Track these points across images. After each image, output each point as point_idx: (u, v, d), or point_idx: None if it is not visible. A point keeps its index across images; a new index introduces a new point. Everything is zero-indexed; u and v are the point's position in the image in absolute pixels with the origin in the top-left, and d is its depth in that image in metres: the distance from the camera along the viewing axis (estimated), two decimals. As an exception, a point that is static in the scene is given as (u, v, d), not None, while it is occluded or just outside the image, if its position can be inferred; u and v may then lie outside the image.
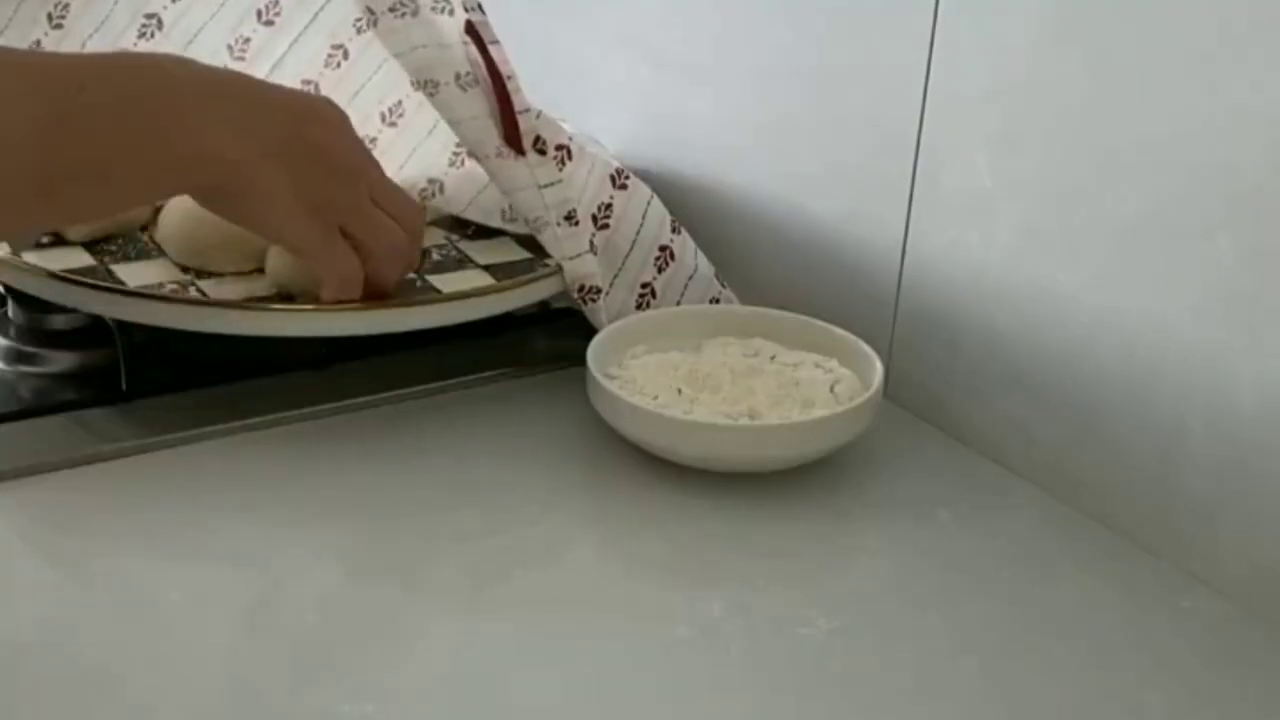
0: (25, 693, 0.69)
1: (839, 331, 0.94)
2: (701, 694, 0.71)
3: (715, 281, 1.03)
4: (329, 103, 0.83)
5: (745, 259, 1.07)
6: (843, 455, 0.89)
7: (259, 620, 0.75)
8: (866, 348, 0.93)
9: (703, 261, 1.02)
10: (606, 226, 0.99)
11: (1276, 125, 0.72)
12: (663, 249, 1.01)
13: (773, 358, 0.94)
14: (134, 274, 0.91)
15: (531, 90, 1.25)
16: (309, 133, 0.79)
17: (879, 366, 0.91)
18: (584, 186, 0.99)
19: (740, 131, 1.07)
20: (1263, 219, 0.74)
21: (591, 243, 0.97)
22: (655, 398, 0.89)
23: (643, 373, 0.91)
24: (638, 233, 1.00)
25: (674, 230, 1.02)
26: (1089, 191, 0.82)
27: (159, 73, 0.75)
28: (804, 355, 0.94)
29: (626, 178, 1.01)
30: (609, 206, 1.00)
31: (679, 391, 0.90)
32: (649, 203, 1.02)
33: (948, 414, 0.94)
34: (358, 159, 0.83)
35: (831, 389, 0.90)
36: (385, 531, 0.83)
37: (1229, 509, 0.78)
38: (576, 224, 0.96)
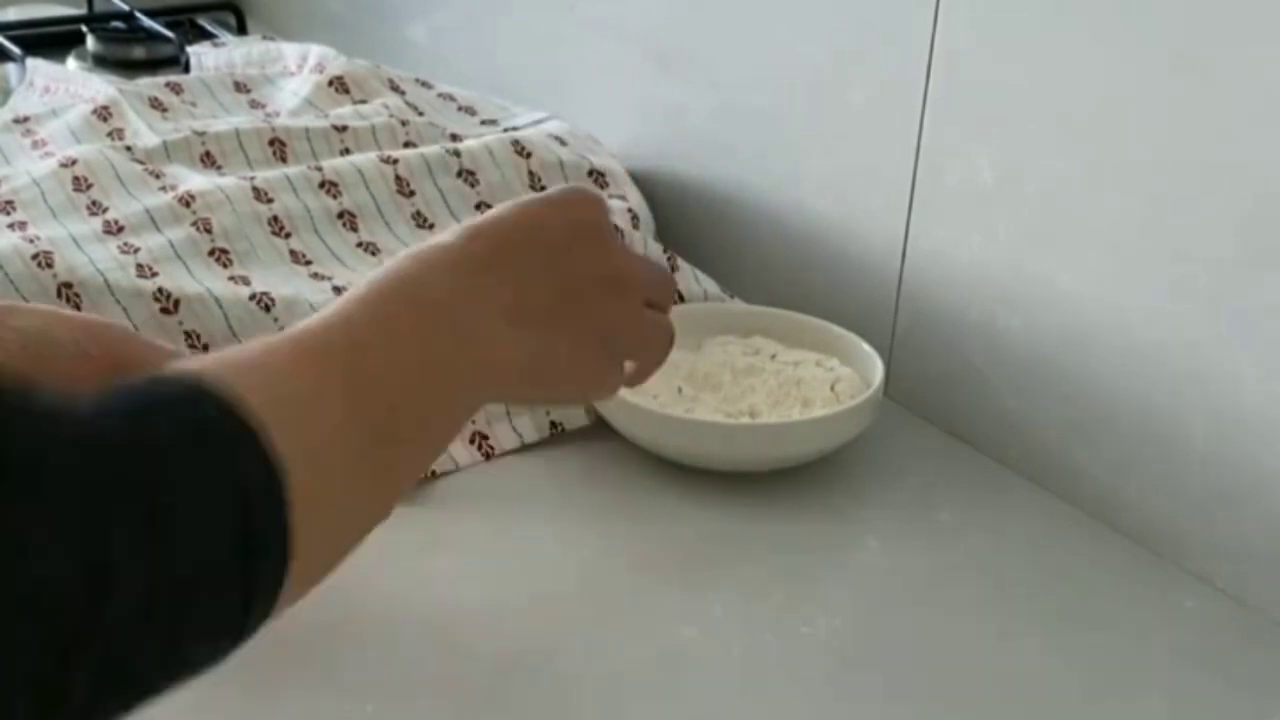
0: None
1: (839, 330, 0.94)
2: (702, 694, 0.71)
3: (724, 295, 1.03)
4: (581, 201, 0.68)
5: (746, 258, 1.07)
6: (843, 455, 0.89)
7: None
8: (867, 346, 0.93)
9: (707, 282, 1.02)
10: None
11: (1277, 124, 0.72)
12: None
13: (773, 356, 0.94)
14: None
15: (531, 89, 1.25)
16: (577, 263, 0.66)
17: (879, 365, 0.91)
18: None
19: (740, 130, 1.07)
20: (1263, 219, 0.74)
21: None
22: (655, 397, 0.89)
23: (643, 372, 0.91)
24: None
25: (673, 269, 1.01)
26: (1089, 191, 0.82)
27: (416, 303, 0.61)
28: (804, 354, 0.94)
29: (621, 238, 1.00)
30: None
31: (679, 391, 0.90)
32: (644, 251, 1.01)
33: (948, 413, 0.94)
34: (618, 262, 0.69)
35: (832, 388, 0.90)
36: (385, 532, 0.83)
37: (1229, 508, 0.78)
38: None
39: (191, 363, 0.52)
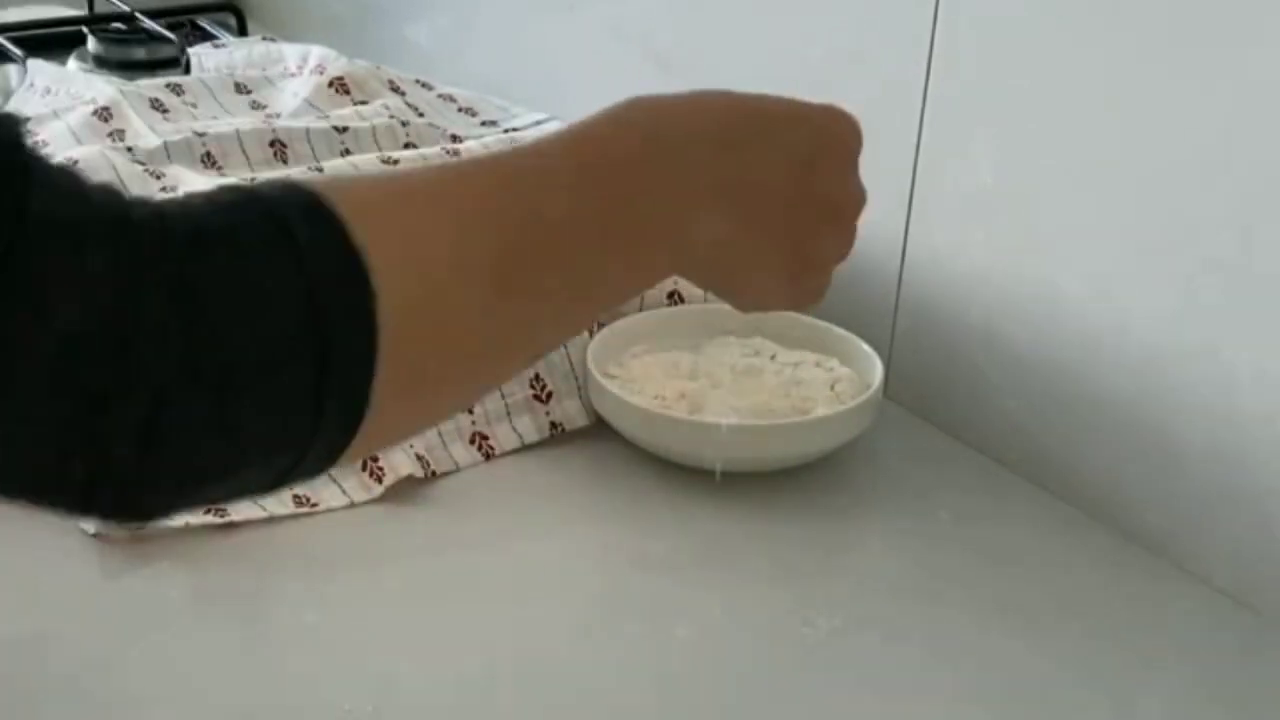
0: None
1: (839, 331, 0.94)
2: (702, 694, 0.71)
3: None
4: (843, 118, 0.68)
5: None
6: (843, 455, 0.89)
7: (259, 619, 0.75)
8: (867, 347, 0.93)
9: None
10: None
11: (1276, 125, 0.72)
12: (670, 295, 1.00)
13: (773, 357, 0.94)
14: None
15: (530, 89, 1.25)
16: (814, 179, 0.64)
17: (879, 366, 0.91)
18: None
19: (740, 131, 1.07)
20: (1263, 219, 0.74)
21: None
22: (656, 397, 0.89)
23: (643, 372, 0.91)
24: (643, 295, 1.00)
25: None
26: (1089, 191, 0.82)
27: (627, 137, 0.61)
28: (804, 354, 0.94)
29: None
30: None
31: (680, 392, 0.90)
32: None
33: (948, 414, 0.94)
34: (853, 193, 0.68)
35: (832, 388, 0.90)
36: (385, 531, 0.83)
37: (1228, 508, 0.78)
38: None
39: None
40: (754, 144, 0.61)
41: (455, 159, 0.55)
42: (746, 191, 0.61)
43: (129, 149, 1.07)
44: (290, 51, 1.30)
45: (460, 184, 0.54)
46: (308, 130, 1.11)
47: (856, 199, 0.67)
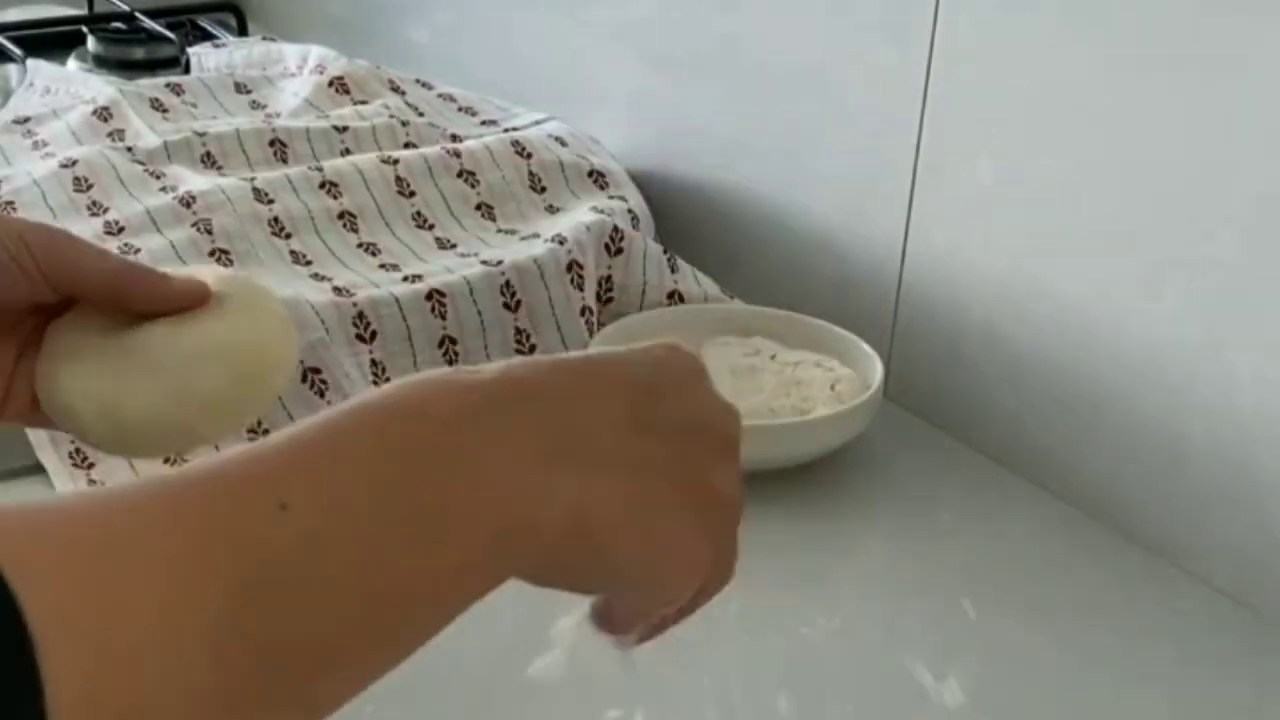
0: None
1: (839, 331, 0.94)
2: (702, 694, 0.71)
3: (724, 295, 1.03)
4: (673, 350, 0.51)
5: (746, 258, 1.07)
6: (843, 455, 0.89)
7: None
8: (867, 347, 0.93)
9: (707, 283, 1.02)
10: (611, 300, 1.00)
11: (1276, 125, 0.72)
12: (670, 295, 1.00)
13: (773, 357, 0.94)
14: None
15: (531, 89, 1.25)
16: (669, 405, 0.49)
17: (879, 366, 0.91)
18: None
19: (740, 131, 1.07)
20: (1263, 219, 0.74)
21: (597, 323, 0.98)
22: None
23: (643, 372, 0.91)
24: (643, 294, 1.00)
25: (673, 269, 1.01)
26: (1089, 191, 0.82)
27: (406, 433, 0.43)
28: (804, 354, 0.94)
29: (621, 239, 1.01)
30: (609, 279, 1.00)
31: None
32: (645, 255, 1.01)
33: (948, 414, 0.94)
34: (727, 418, 0.51)
35: (832, 388, 0.90)
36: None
37: (1228, 508, 0.78)
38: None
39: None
40: (573, 389, 0.47)
41: (157, 479, 0.39)
42: (588, 439, 0.46)
43: (129, 149, 1.07)
44: (290, 51, 1.30)
45: (169, 515, 0.38)
46: (308, 130, 1.11)
47: (720, 409, 0.51)
